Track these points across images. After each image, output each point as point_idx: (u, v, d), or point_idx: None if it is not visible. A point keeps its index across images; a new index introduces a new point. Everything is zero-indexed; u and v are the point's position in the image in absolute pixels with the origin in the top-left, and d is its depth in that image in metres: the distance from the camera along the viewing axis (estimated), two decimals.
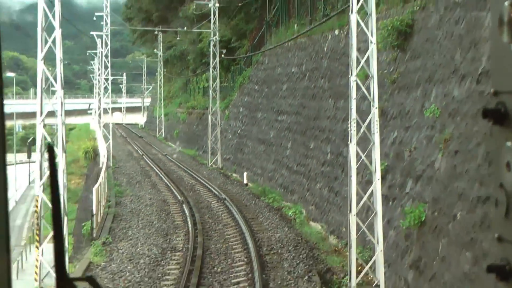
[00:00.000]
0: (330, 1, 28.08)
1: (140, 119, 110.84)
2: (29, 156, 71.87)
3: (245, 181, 29.80)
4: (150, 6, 66.84)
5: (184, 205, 23.58)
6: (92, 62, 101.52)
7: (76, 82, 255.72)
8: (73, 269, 15.86)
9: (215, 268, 15.38)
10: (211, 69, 38.87)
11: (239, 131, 38.04)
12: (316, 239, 18.20)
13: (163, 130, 65.13)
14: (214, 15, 38.67)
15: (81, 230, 23.87)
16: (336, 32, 24.88)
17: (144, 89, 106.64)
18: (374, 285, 14.03)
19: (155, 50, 74.43)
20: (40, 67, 15.70)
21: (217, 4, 38.87)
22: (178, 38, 62.76)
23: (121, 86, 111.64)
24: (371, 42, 14.40)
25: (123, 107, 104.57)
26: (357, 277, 13.64)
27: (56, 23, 15.79)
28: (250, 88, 37.79)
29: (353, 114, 14.19)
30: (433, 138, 14.87)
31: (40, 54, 15.64)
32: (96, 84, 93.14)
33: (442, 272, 12.34)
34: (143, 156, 45.51)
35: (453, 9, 15.81)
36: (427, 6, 17.64)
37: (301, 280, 14.24)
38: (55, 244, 1.60)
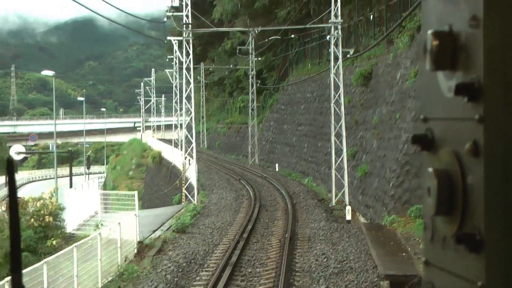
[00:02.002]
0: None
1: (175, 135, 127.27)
2: (88, 168, 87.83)
3: (276, 169, 46.21)
4: (194, 41, 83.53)
5: (241, 180, 40.02)
6: (138, 91, 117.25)
7: (102, 102, 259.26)
8: (190, 209, 32.01)
9: (267, 204, 31.49)
10: (250, 95, 55.25)
11: (270, 139, 54.52)
12: (318, 191, 34.51)
13: (205, 142, 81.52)
14: (252, 54, 55.17)
15: (171, 201, 39.79)
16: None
17: (179, 109, 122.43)
18: (347, 209, 30.08)
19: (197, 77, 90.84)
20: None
21: (253, 46, 55.40)
22: (213, 66, 79.35)
23: (160, 106, 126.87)
24: (340, 87, 30.69)
25: (162, 125, 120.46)
26: (335, 199, 29.80)
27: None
28: (278, 107, 54.29)
29: (332, 121, 30.47)
30: (374, 132, 31.04)
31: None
32: (142, 105, 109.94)
33: (370, 191, 28.42)
34: (199, 159, 61.99)
35: (388, 67, 32.05)
36: (377, 64, 33.94)
37: (310, 202, 30.50)
38: (12, 253, 1.62)
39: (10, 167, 1.64)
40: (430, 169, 1.37)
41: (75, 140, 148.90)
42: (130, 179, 76.89)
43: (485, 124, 1.25)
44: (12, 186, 1.62)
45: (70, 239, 21.40)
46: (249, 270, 17.57)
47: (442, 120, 1.40)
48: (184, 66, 30.24)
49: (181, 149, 53.07)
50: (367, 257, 17.85)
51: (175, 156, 53.02)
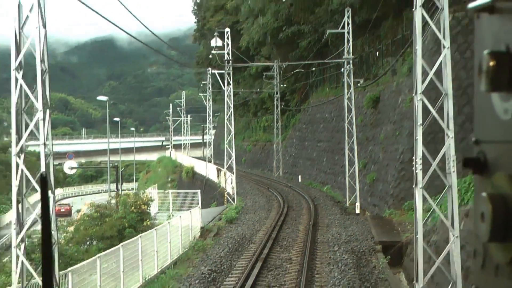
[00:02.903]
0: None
1: (199, 153, 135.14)
2: (121, 183, 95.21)
3: (299, 180, 53.84)
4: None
5: (270, 189, 47.70)
6: (167, 112, 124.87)
7: (123, 121, 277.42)
8: (232, 208, 39.67)
9: (293, 205, 39.04)
10: (275, 115, 62.99)
11: (293, 154, 62.20)
12: (335, 196, 42.12)
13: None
14: (277, 79, 63.00)
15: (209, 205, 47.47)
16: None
17: (206, 128, 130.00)
18: (356, 205, 37.48)
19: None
20: (17, 80, 27.18)
21: (277, 73, 63.23)
22: (241, 90, 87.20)
23: (186, 125, 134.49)
24: (352, 110, 38.29)
25: (188, 144, 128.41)
26: (348, 201, 37.32)
27: (39, 20, 24.47)
28: (300, 126, 62.03)
29: (346, 137, 38.14)
30: (380, 147, 38.57)
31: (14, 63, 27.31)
32: (171, 124, 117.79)
33: (377, 193, 35.86)
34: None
35: (392, 92, 39.63)
36: (384, 90, 41.57)
37: (328, 203, 38.11)
38: (44, 263, 1.61)
39: (44, 183, 1.63)
40: (484, 194, 1.32)
41: (98, 159, 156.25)
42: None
43: None
44: (45, 202, 1.58)
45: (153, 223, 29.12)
46: (285, 243, 25.23)
47: (497, 143, 1.37)
48: (226, 94, 37.73)
49: (213, 164, 60.46)
50: (369, 234, 25.46)
51: (209, 170, 60.82)
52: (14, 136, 12.15)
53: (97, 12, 18.47)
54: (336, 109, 52.23)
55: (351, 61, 37.73)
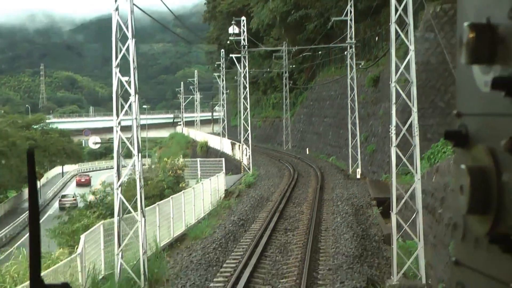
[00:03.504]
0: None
1: (209, 129, 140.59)
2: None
3: (307, 153, 59.35)
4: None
5: (280, 160, 53.21)
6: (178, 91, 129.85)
7: (128, 99, 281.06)
8: (249, 175, 45.19)
9: (302, 173, 44.47)
10: (283, 93, 68.32)
11: (301, 129, 67.63)
12: (339, 165, 47.63)
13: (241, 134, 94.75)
14: (285, 60, 68.19)
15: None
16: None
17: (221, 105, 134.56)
18: (357, 171, 42.84)
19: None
20: (116, 74, 17.44)
21: (286, 54, 68.41)
22: (253, 69, 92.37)
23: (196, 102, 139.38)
24: (354, 89, 43.61)
25: (198, 120, 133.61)
26: (351, 169, 42.74)
27: (130, 34, 17.35)
28: (307, 103, 67.39)
29: (349, 113, 43.51)
30: (380, 121, 43.90)
31: (114, 62, 17.73)
32: (182, 102, 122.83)
33: (376, 162, 41.23)
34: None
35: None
36: (383, 70, 46.79)
37: (333, 171, 43.63)
38: (31, 247, 1.55)
39: (31, 158, 1.59)
40: (463, 166, 1.33)
41: (107, 136, 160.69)
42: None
43: None
44: (32, 177, 1.57)
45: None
46: (297, 201, 30.75)
47: (477, 116, 1.37)
48: (242, 75, 42.86)
49: (227, 139, 65.66)
50: (366, 193, 30.95)
51: (223, 144, 66.38)
52: (114, 112, 17.58)
53: None
54: (341, 88, 57.50)
55: (353, 46, 42.94)
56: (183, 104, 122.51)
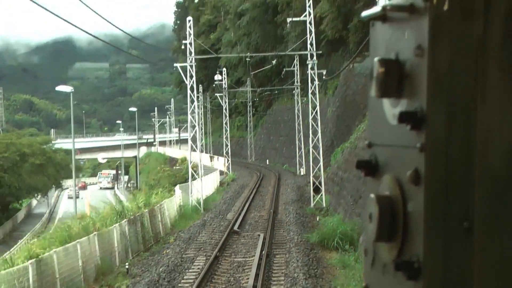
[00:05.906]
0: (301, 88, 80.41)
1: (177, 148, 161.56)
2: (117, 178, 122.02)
3: (267, 163, 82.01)
4: (201, 73, 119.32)
5: (248, 167, 75.72)
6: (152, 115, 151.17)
7: (87, 121, 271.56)
8: (230, 175, 67.45)
9: (266, 174, 66.65)
10: (248, 117, 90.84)
11: (262, 145, 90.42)
12: (291, 169, 70.43)
13: (211, 151, 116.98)
14: (249, 92, 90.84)
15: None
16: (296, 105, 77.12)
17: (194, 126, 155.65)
18: (301, 169, 65.14)
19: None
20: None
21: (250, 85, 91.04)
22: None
23: (164, 124, 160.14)
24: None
25: (171, 140, 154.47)
26: (298, 171, 65.17)
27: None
28: (266, 125, 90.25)
29: (296, 128, 66.19)
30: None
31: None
32: (156, 123, 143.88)
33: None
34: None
35: (324, 106, 67.81)
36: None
37: (287, 173, 66.42)
38: None
39: None
40: (372, 195, 1.41)
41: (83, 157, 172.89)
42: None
43: (426, 153, 1.29)
44: None
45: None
46: (265, 185, 53.32)
47: (386, 147, 1.46)
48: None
49: (205, 153, 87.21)
50: (305, 180, 53.71)
51: (202, 158, 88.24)
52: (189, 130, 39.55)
53: (52, 13, 20.07)
54: (292, 114, 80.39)
55: (299, 87, 65.46)
56: (157, 126, 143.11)
